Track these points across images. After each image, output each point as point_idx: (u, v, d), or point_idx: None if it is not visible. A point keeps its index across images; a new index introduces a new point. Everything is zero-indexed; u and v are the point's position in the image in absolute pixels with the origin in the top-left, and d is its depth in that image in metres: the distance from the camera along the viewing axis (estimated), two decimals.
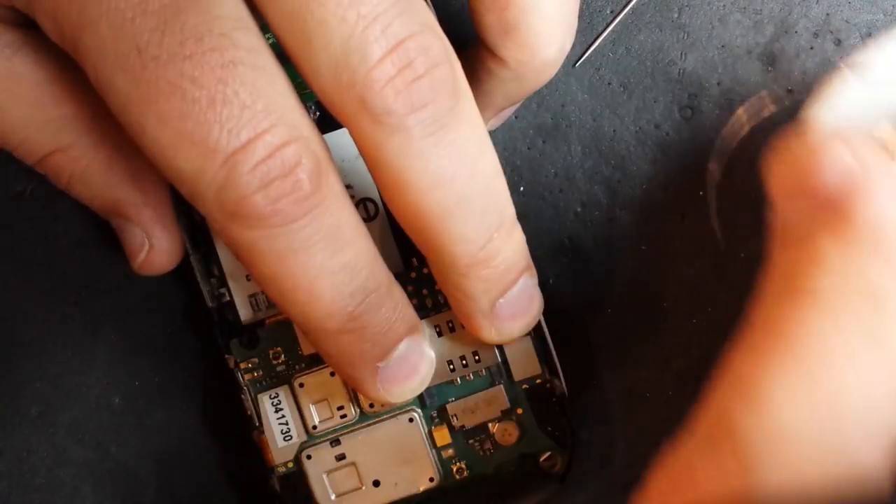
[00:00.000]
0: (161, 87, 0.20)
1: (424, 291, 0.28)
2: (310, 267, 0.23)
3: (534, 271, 0.26)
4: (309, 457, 0.29)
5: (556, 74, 0.27)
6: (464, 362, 0.28)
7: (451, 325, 0.28)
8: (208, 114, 0.20)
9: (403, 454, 0.29)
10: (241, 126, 0.21)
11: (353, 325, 0.24)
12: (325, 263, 0.23)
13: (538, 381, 0.29)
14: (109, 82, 0.21)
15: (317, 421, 0.29)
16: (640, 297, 0.32)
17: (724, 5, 0.31)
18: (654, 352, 0.32)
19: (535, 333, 0.28)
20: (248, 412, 0.29)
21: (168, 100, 0.20)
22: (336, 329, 0.24)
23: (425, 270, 0.28)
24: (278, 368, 0.29)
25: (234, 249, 0.22)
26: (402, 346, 0.25)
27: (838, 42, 0.31)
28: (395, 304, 0.25)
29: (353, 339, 0.24)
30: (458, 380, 0.29)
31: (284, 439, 0.29)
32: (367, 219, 0.29)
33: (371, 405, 0.29)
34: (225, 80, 0.20)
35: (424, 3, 0.22)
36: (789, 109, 0.30)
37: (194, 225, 0.29)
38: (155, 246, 0.28)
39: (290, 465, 0.29)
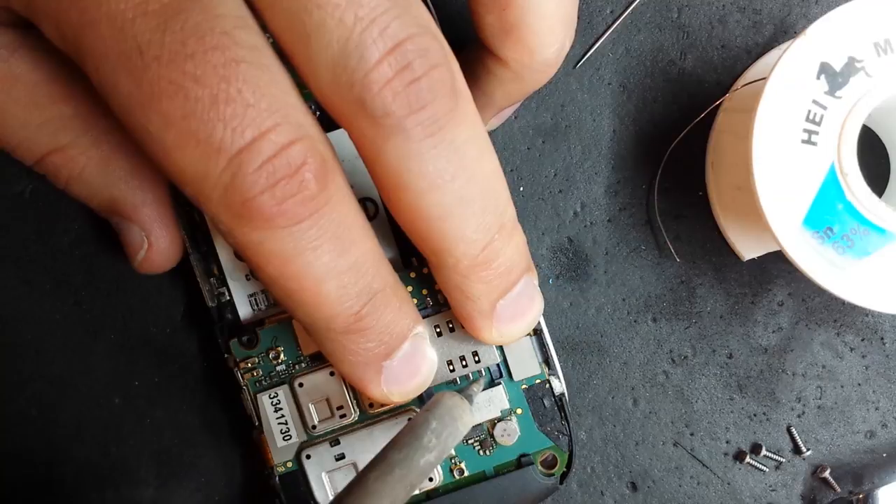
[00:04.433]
0: (164, 86, 0.20)
1: (424, 291, 0.28)
2: (316, 267, 0.22)
3: (534, 272, 0.26)
4: (308, 456, 0.29)
5: (556, 74, 0.27)
6: (464, 362, 0.28)
7: (451, 325, 0.28)
8: (211, 112, 0.20)
9: None
10: (245, 125, 0.20)
11: (358, 325, 0.24)
12: (331, 264, 0.22)
13: (538, 381, 0.29)
14: (111, 84, 0.21)
15: (316, 421, 0.29)
16: (640, 296, 0.32)
17: (723, 5, 0.31)
18: (654, 352, 0.32)
19: (535, 333, 0.28)
20: (248, 412, 0.29)
21: (171, 99, 0.20)
22: (342, 329, 0.24)
23: (425, 270, 0.28)
24: (278, 368, 0.29)
25: (240, 250, 0.22)
26: (405, 346, 0.25)
27: None
28: (400, 303, 0.25)
29: (359, 339, 0.24)
30: (458, 380, 0.29)
31: (284, 439, 0.29)
32: (367, 219, 0.29)
33: (371, 405, 0.29)
34: (228, 79, 0.20)
35: (422, 5, 0.22)
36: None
37: (194, 224, 0.29)
38: (154, 244, 0.28)
39: (290, 464, 0.29)
